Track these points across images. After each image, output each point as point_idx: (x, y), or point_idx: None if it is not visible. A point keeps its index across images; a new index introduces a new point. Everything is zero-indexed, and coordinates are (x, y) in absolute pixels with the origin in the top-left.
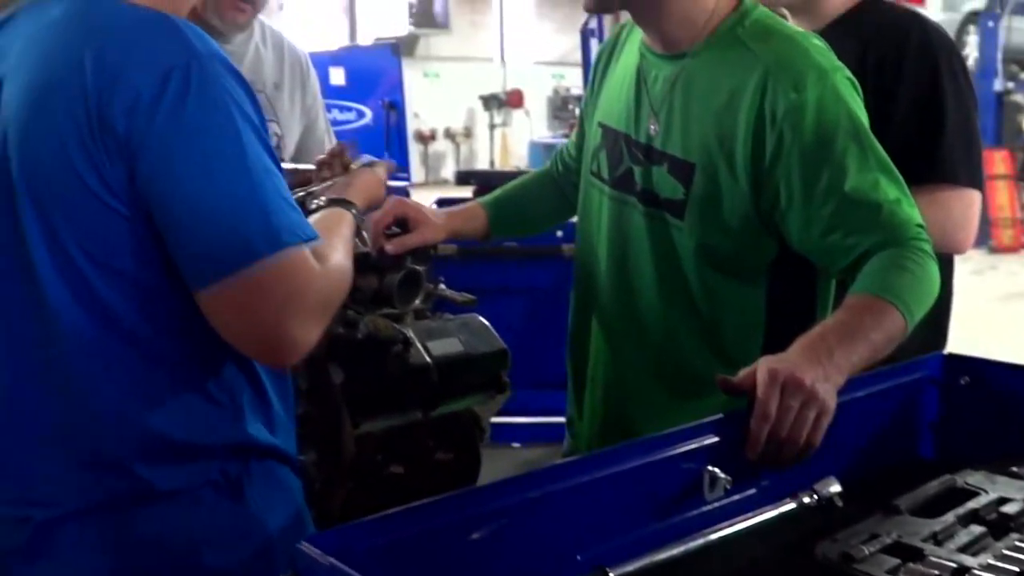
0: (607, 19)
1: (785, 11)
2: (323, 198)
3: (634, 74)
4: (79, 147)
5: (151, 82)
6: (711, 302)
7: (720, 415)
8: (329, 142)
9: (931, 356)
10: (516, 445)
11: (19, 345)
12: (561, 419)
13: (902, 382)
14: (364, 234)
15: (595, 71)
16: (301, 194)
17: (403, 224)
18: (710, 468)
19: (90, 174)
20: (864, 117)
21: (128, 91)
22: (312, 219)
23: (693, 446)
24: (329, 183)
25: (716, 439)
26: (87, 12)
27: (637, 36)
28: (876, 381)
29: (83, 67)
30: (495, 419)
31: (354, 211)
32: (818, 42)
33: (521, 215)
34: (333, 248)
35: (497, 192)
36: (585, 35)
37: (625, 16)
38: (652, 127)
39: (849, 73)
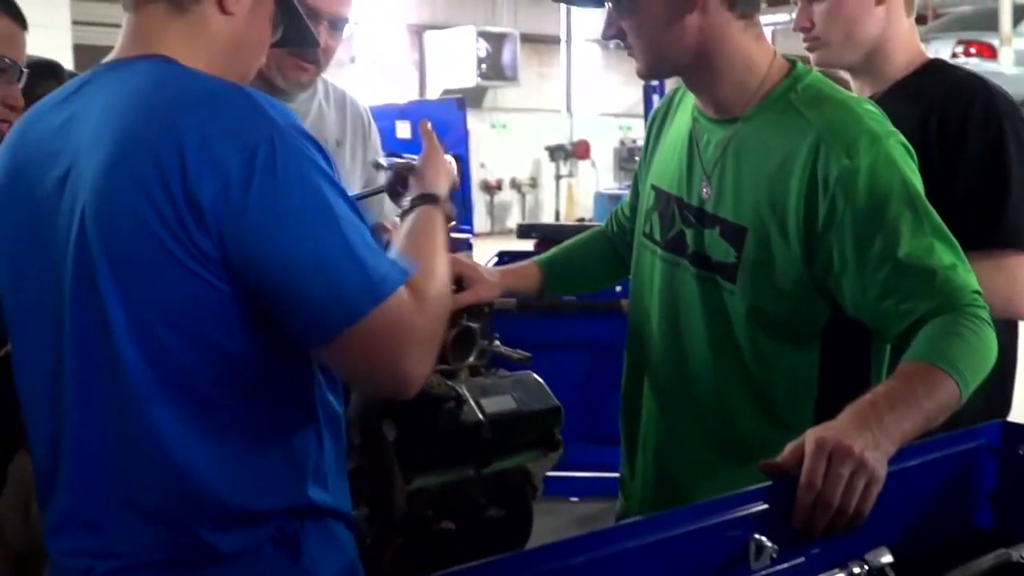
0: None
1: (843, 74)
2: (407, 199)
3: (687, 137)
4: (163, 220)
5: (239, 159)
6: (763, 365)
7: (769, 482)
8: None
9: (989, 424)
10: (574, 499)
11: (95, 399)
12: (616, 474)
13: (958, 450)
14: None
15: (649, 133)
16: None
17: (458, 282)
18: (756, 536)
19: (176, 245)
20: (918, 182)
21: (216, 168)
22: (404, 230)
23: (740, 513)
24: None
25: (764, 506)
26: (164, 83)
27: (690, 99)
28: (930, 449)
29: (167, 143)
30: (553, 473)
31: (442, 202)
32: (871, 107)
33: (575, 274)
34: (429, 273)
35: (552, 251)
36: (647, 91)
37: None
38: (704, 190)
39: (902, 138)
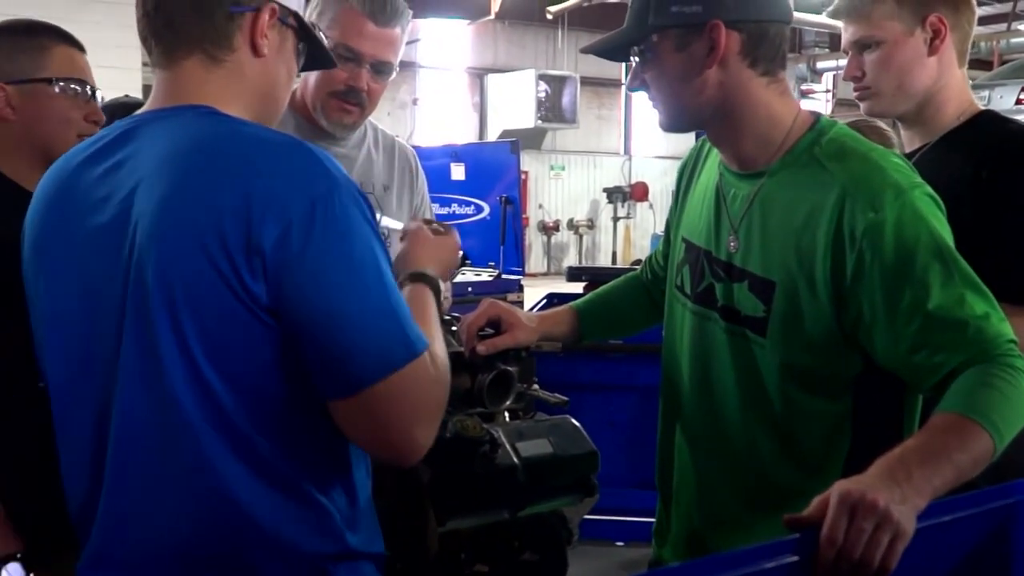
0: None
1: (880, 123)
2: (399, 277)
3: (714, 191)
4: (221, 264)
5: (302, 207)
6: (794, 417)
7: (798, 534)
8: None
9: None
10: (619, 544)
11: (145, 438)
12: None
13: (993, 507)
14: (458, 334)
15: (679, 184)
16: None
17: (496, 325)
18: None
19: (234, 288)
20: (947, 233)
21: (281, 214)
22: None
23: (768, 565)
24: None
25: (794, 558)
26: (221, 134)
27: (716, 152)
28: (963, 505)
29: (231, 189)
30: (596, 516)
31: (430, 279)
32: (896, 159)
33: (611, 320)
34: (436, 346)
35: (589, 296)
36: (700, 135)
37: None
38: (732, 244)
39: (929, 189)
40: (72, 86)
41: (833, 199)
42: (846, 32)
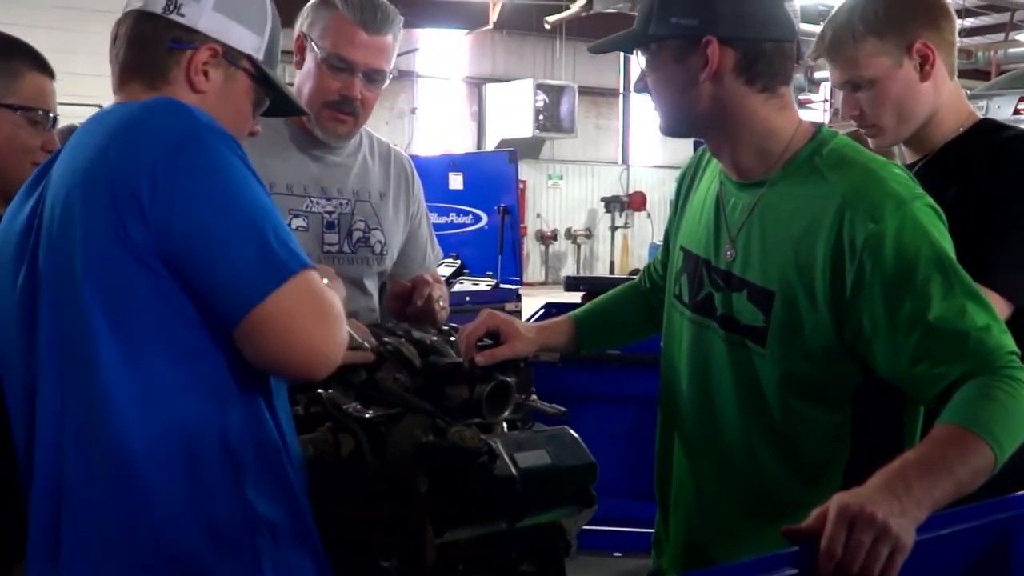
0: None
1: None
2: None
3: (713, 200)
4: (114, 222)
5: (165, 153)
6: (793, 427)
7: (796, 547)
8: (431, 248)
9: None
10: (617, 554)
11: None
12: None
13: (993, 520)
14: (457, 344)
15: (678, 193)
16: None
17: (495, 336)
18: None
19: (125, 243)
20: (947, 244)
21: (147, 164)
22: None
23: None
24: None
25: (793, 571)
26: (106, 113)
27: (716, 161)
28: (963, 518)
29: (106, 153)
30: (595, 527)
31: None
32: (897, 170)
33: (609, 330)
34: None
35: (587, 306)
36: (697, 145)
37: None
38: (731, 254)
39: (930, 200)
40: (36, 116)
41: (833, 209)
42: (833, 73)
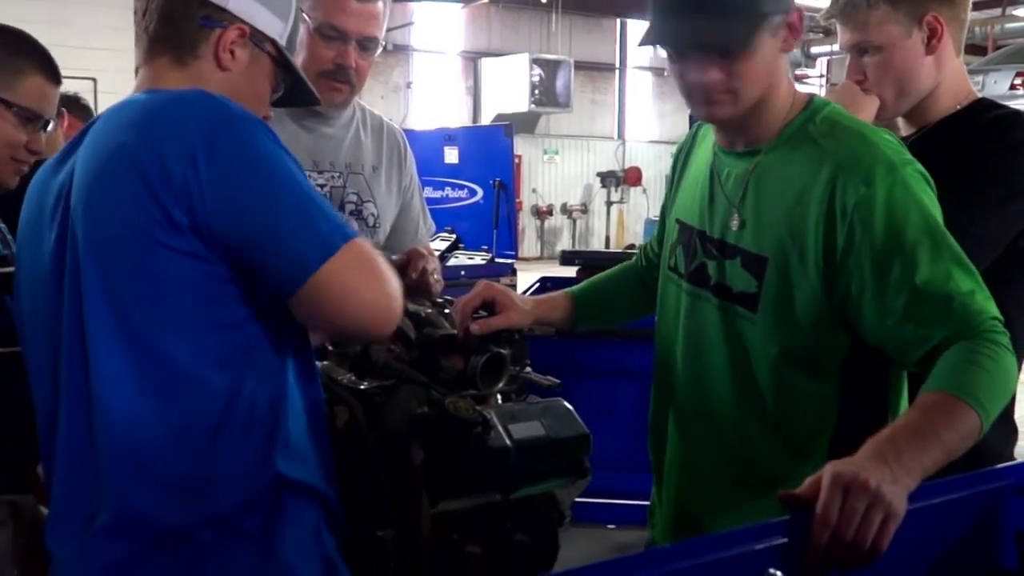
0: None
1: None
2: None
3: (707, 171)
4: (151, 207)
5: (203, 139)
6: (782, 396)
7: (787, 516)
8: (424, 222)
9: (1014, 464)
10: (610, 526)
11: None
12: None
13: (982, 489)
14: (452, 316)
15: (674, 168)
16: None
17: (490, 307)
18: (772, 571)
19: (155, 223)
20: (936, 210)
21: (185, 150)
22: None
23: (756, 547)
24: None
25: (782, 540)
26: (136, 101)
27: (710, 134)
28: (954, 488)
29: (146, 144)
30: (589, 499)
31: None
32: (888, 136)
33: (605, 307)
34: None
35: (584, 283)
36: (693, 121)
37: None
38: (725, 222)
39: (920, 166)
40: (29, 116)
41: (826, 175)
42: (843, 35)
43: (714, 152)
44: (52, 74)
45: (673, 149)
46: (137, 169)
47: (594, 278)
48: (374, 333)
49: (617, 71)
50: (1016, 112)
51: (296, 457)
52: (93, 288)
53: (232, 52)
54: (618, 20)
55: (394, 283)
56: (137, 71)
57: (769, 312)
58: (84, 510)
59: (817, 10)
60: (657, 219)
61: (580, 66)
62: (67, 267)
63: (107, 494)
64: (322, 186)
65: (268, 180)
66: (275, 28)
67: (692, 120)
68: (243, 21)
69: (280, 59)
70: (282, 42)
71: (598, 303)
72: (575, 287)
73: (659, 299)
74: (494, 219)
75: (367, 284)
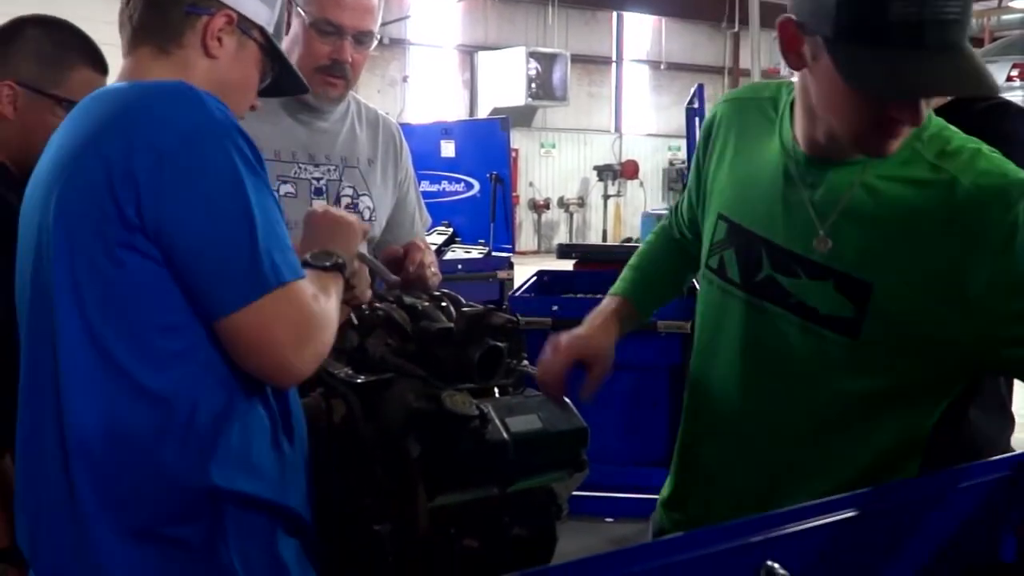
0: (708, 99)
1: None
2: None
3: (780, 173)
4: (108, 198)
5: (172, 144)
6: (869, 426)
7: (784, 509)
8: (420, 215)
9: (1012, 456)
10: (609, 520)
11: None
12: (653, 496)
13: (980, 482)
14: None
15: (705, 145)
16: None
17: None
18: (769, 563)
19: (108, 221)
20: None
21: (152, 150)
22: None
23: (753, 539)
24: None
25: (781, 532)
26: (114, 90)
27: (775, 125)
28: (952, 481)
29: (116, 138)
30: (588, 492)
31: (336, 261)
32: (995, 153)
33: (659, 296)
34: (327, 297)
35: (631, 277)
36: (690, 114)
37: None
38: (810, 237)
39: None
40: None
41: (955, 200)
42: None
43: (787, 151)
44: (99, 65)
45: (671, 142)
46: (104, 163)
47: (637, 266)
48: (275, 386)
49: (614, 64)
50: (1006, 102)
51: (243, 469)
52: (61, 274)
53: (219, 40)
54: (614, 13)
55: (319, 342)
56: None
57: (876, 340)
58: (43, 506)
59: None
60: (654, 213)
61: (577, 59)
62: (43, 252)
63: (63, 493)
64: (318, 179)
65: (219, 200)
66: (263, 15)
67: (690, 115)
68: (230, 8)
69: (267, 47)
70: (270, 29)
71: (652, 294)
72: (625, 286)
73: (700, 301)
74: (491, 213)
75: (289, 339)
